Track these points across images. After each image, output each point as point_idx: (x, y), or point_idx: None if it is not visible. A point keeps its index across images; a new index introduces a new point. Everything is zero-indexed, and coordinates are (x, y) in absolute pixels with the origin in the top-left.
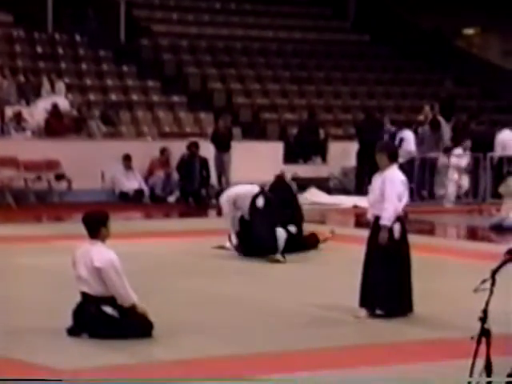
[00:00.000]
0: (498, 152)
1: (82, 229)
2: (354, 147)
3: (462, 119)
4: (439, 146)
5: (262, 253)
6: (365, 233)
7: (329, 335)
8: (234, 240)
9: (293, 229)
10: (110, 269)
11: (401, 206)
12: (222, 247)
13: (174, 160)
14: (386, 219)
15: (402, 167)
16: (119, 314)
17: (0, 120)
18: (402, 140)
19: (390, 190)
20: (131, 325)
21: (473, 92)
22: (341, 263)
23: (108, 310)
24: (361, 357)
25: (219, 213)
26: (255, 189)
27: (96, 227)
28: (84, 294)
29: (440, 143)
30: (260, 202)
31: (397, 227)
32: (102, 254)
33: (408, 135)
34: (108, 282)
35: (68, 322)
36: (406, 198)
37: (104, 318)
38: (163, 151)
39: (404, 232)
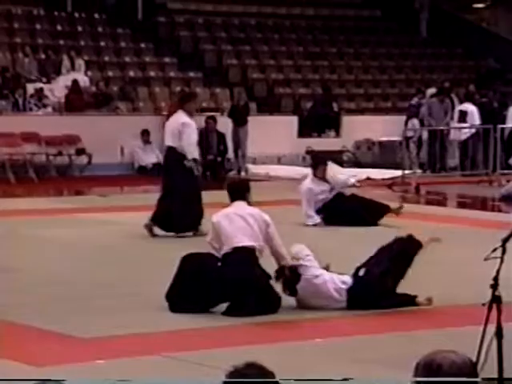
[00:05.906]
0: (509, 124)
1: (100, 202)
2: (366, 120)
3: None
4: (447, 118)
5: None
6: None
7: None
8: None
9: None
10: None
11: None
12: None
13: None
14: None
15: (465, 143)
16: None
17: (22, 97)
18: (464, 114)
19: None
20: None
21: (481, 65)
22: None
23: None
24: (377, 323)
25: None
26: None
27: (242, 193)
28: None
29: (447, 115)
30: None
31: None
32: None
33: (471, 109)
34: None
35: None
36: None
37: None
38: None
39: None
